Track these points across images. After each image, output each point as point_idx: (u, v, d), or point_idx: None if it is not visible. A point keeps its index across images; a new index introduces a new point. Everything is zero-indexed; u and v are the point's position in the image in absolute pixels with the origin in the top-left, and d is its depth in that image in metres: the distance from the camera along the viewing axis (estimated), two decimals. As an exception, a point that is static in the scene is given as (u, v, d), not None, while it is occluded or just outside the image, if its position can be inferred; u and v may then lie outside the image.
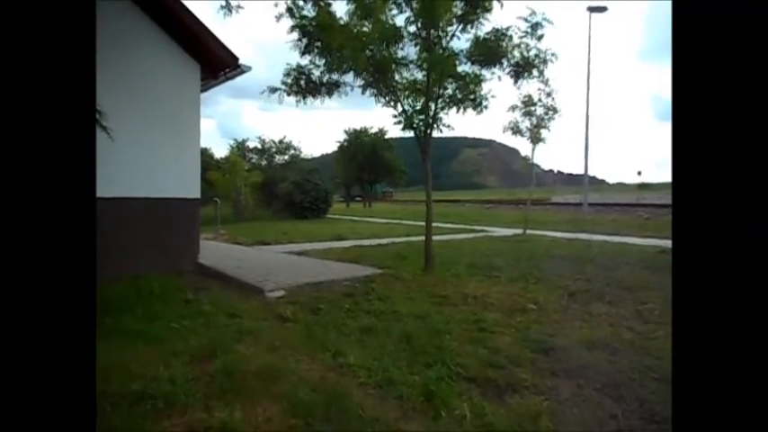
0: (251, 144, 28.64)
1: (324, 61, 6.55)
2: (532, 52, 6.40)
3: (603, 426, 2.53)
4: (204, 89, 8.03)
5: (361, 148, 38.21)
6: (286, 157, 28.17)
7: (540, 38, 6.30)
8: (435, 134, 6.83)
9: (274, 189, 22.20)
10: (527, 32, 6.29)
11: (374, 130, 38.73)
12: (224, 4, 5.91)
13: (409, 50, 6.61)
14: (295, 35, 6.50)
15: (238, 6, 5.92)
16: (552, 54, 6.49)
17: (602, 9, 19.39)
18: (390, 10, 6.45)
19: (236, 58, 7.26)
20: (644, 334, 4.00)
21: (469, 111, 6.65)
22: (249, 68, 7.53)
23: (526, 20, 6.26)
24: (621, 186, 70.60)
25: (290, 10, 6.35)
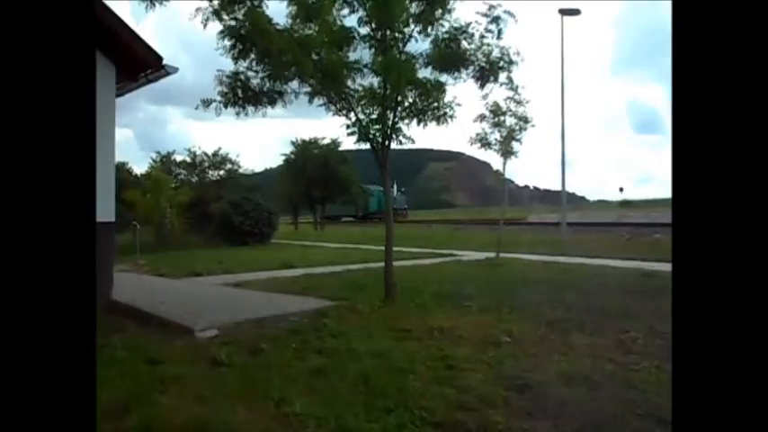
0: (178, 157, 27.88)
1: (263, 67, 6.56)
2: (495, 52, 6.69)
3: (584, 469, 2.63)
4: (120, 93, 7.85)
5: (310, 161, 38.09)
6: (221, 172, 27.60)
7: (499, 34, 6.57)
8: (396, 146, 6.98)
9: (207, 210, 21.69)
10: (488, 30, 6.55)
11: (326, 141, 38.82)
12: (146, -5, 5.87)
13: (363, 54, 6.77)
14: (227, 41, 6.44)
15: (162, -1, 5.88)
16: (517, 53, 6.79)
17: (576, 12, 20.66)
18: (341, 9, 6.59)
19: (160, 58, 7.16)
20: (626, 365, 4.19)
21: (432, 123, 6.86)
22: (175, 69, 7.44)
23: (485, 14, 6.52)
24: (602, 204, 73.83)
25: (216, 12, 6.26)
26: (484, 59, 6.71)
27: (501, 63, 6.74)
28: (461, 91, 7.19)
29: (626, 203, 41.76)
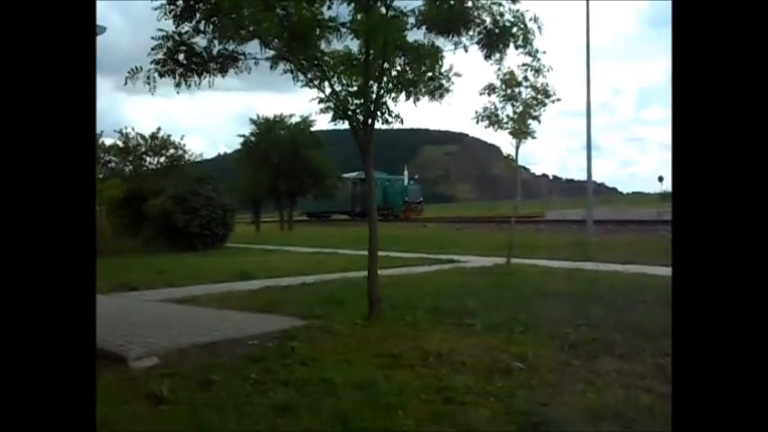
0: (107, 140, 27.58)
1: (212, 27, 6.47)
2: (507, 17, 6.71)
3: None
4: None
5: (275, 145, 37.95)
6: (162, 159, 27.43)
7: None
8: (382, 126, 6.99)
9: (144, 207, 21.54)
10: None
11: (295, 120, 38.69)
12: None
13: (341, 10, 6.74)
14: None
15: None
16: (534, 20, 6.82)
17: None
18: None
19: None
20: (667, 396, 4.22)
21: (425, 98, 6.87)
22: (102, 30, 7.38)
23: None
24: (638, 197, 74.79)
25: None
26: (492, 23, 6.71)
27: (514, 29, 6.75)
28: (467, 58, 7.19)
29: (667, 197, 42.19)
